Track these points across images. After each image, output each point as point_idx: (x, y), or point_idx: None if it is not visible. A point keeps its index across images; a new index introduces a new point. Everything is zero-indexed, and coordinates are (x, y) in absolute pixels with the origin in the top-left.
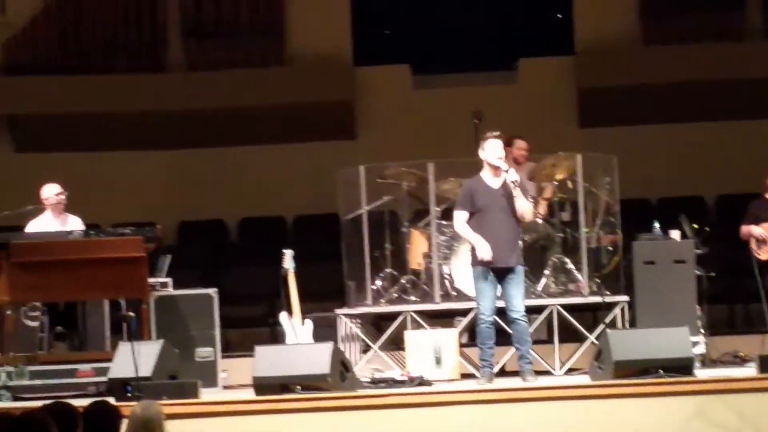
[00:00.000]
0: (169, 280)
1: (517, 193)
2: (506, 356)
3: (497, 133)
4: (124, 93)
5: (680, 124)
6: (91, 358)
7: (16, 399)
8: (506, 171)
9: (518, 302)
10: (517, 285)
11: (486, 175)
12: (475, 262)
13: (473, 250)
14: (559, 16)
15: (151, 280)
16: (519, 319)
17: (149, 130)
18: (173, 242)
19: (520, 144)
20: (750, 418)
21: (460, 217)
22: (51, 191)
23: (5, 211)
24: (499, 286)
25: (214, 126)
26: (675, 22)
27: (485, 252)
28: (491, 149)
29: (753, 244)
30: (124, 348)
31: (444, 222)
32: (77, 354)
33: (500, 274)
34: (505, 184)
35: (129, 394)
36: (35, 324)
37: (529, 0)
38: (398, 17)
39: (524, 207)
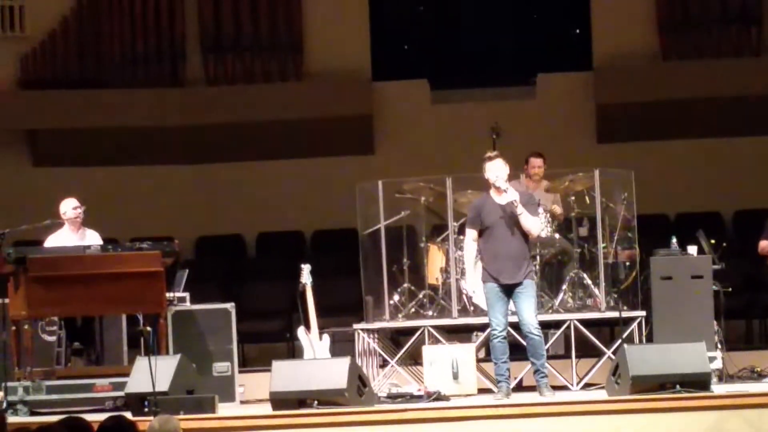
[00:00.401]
0: (186, 294)
1: (519, 210)
2: (524, 371)
3: (495, 153)
4: (143, 107)
5: (698, 140)
6: (108, 372)
7: (32, 414)
8: (505, 190)
9: (530, 316)
10: (527, 299)
11: (493, 193)
12: (485, 277)
13: (483, 268)
14: (577, 31)
15: (169, 294)
16: (532, 333)
17: (168, 144)
18: (191, 257)
19: (534, 162)
20: None
21: (470, 235)
22: (69, 206)
23: (24, 225)
24: (511, 301)
25: (232, 141)
26: (693, 38)
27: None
28: (490, 170)
29: None
30: (141, 363)
31: (462, 237)
32: (94, 369)
33: (510, 288)
34: (512, 203)
35: (146, 409)
36: (52, 339)
37: (547, 15)
38: (416, 32)
39: (530, 223)
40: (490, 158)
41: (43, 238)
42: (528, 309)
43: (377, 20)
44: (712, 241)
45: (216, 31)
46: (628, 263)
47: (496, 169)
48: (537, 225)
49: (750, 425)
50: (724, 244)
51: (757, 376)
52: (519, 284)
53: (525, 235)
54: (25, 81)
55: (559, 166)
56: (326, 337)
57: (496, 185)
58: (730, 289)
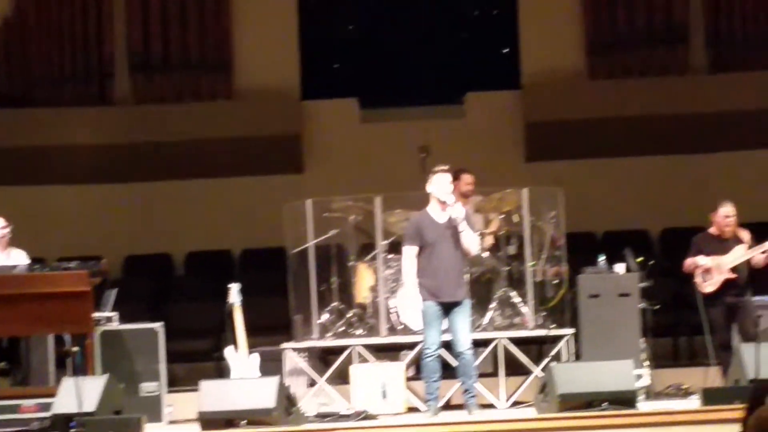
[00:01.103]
0: (114, 314)
1: (462, 227)
2: (452, 390)
3: (445, 168)
4: (71, 126)
5: (625, 158)
6: (34, 393)
7: None
8: (451, 206)
9: (464, 336)
10: (463, 318)
11: (433, 209)
12: (424, 295)
13: (420, 285)
14: (505, 50)
15: (96, 314)
16: (465, 353)
17: (96, 163)
18: (119, 276)
19: (467, 178)
20: None
21: (409, 252)
22: None
23: None
24: (445, 320)
25: (161, 159)
26: (620, 57)
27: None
28: (439, 184)
29: (698, 278)
30: (68, 383)
31: (390, 256)
32: (20, 389)
33: (447, 307)
34: (451, 219)
35: (73, 430)
36: None
37: (476, 34)
38: (346, 51)
39: (470, 241)
40: (440, 172)
41: None
42: (463, 328)
43: (307, 39)
44: (640, 259)
45: (144, 49)
46: (556, 281)
47: (445, 184)
48: (477, 243)
49: None
50: (652, 262)
51: (683, 393)
52: (457, 303)
53: (463, 253)
54: None
55: (487, 185)
56: (255, 357)
57: (443, 200)
58: (657, 307)
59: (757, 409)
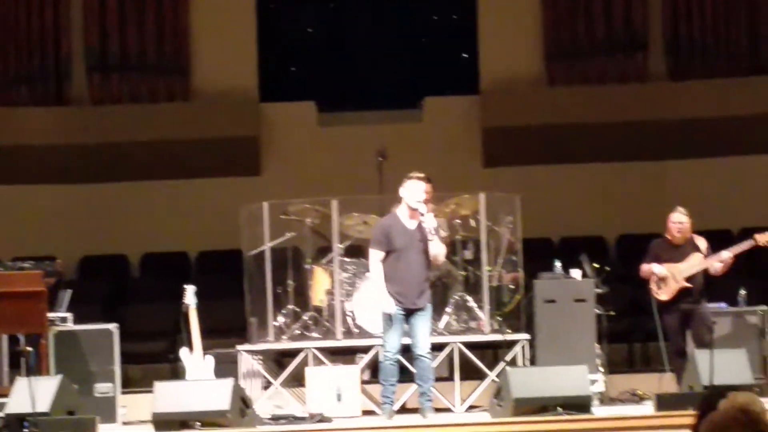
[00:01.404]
0: (69, 315)
1: (431, 237)
2: (407, 393)
3: (421, 175)
4: (26, 126)
5: (583, 165)
6: None
7: None
8: (422, 215)
9: (424, 340)
10: (424, 323)
11: (402, 213)
12: (390, 306)
13: (391, 290)
14: (464, 55)
15: (51, 314)
16: (424, 357)
17: (52, 163)
18: (74, 277)
19: (425, 188)
20: None
21: (375, 256)
22: None
23: None
24: (405, 324)
25: (116, 160)
26: (579, 64)
27: (389, 307)
28: (412, 190)
29: (653, 284)
30: (21, 383)
31: (347, 259)
32: None
33: (410, 312)
34: (421, 226)
35: (26, 430)
36: None
37: (435, 39)
38: (305, 55)
39: (438, 250)
40: (414, 179)
41: None
42: (424, 333)
43: (265, 42)
44: (596, 265)
45: (102, 50)
46: (512, 286)
47: (419, 192)
48: (444, 252)
49: None
50: (607, 269)
51: (637, 399)
52: (419, 310)
53: (428, 261)
54: None
55: (445, 190)
56: (210, 359)
57: (415, 208)
58: (613, 313)
59: (709, 414)
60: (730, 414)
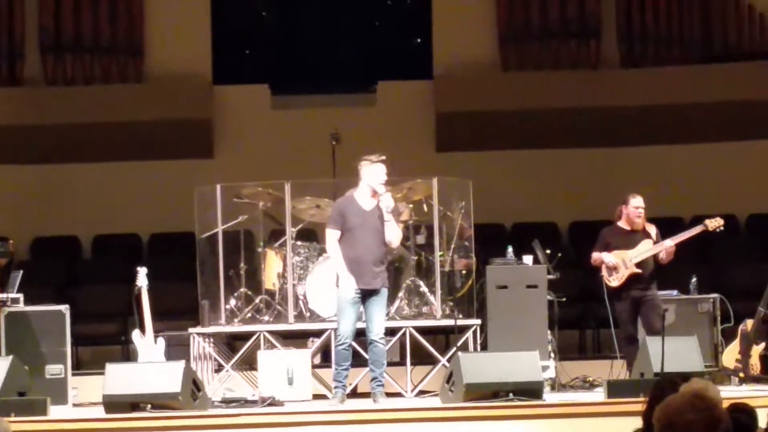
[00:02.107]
0: (20, 295)
1: (388, 218)
2: (359, 377)
3: (383, 158)
4: None
5: (536, 150)
6: None
7: None
8: (382, 195)
9: (379, 325)
10: (380, 307)
11: (360, 195)
12: (348, 286)
13: (349, 267)
14: (418, 40)
15: (2, 295)
16: (377, 342)
17: (4, 143)
18: (26, 258)
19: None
20: None
21: (332, 236)
22: None
23: None
24: (361, 306)
25: (69, 142)
26: (533, 50)
27: (347, 288)
28: (374, 173)
29: (604, 272)
30: None
31: (299, 242)
32: None
33: (364, 295)
34: (378, 207)
35: None
36: None
37: (388, 23)
38: (258, 38)
39: (394, 233)
40: (375, 162)
41: None
42: (378, 317)
43: (219, 24)
44: (548, 252)
45: (55, 30)
46: (464, 272)
47: (379, 174)
48: (399, 236)
49: None
50: (559, 255)
51: (588, 385)
52: (375, 292)
53: (384, 243)
54: None
55: (398, 175)
56: (161, 341)
57: (376, 189)
58: (564, 299)
59: (664, 400)
60: (687, 399)
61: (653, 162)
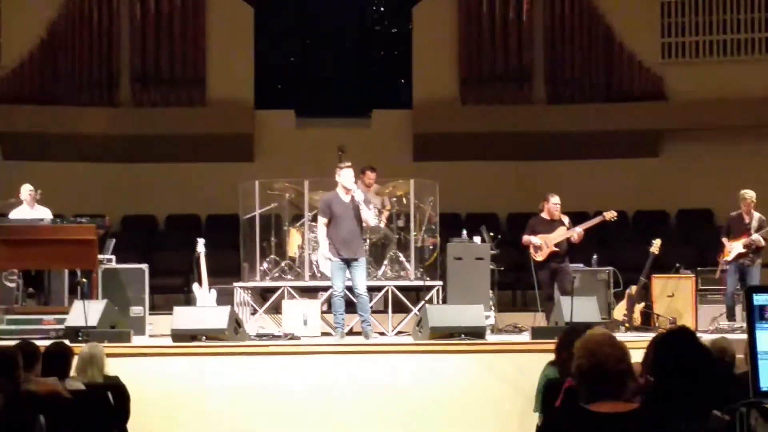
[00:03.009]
0: (113, 257)
1: (362, 207)
2: (354, 321)
3: (349, 164)
4: (88, 121)
5: (485, 162)
6: (53, 311)
7: None
8: (353, 191)
9: (361, 283)
10: (360, 271)
11: (340, 191)
12: (333, 253)
13: (330, 245)
14: (402, 80)
15: (100, 256)
16: (361, 295)
17: (103, 148)
18: (118, 230)
19: (370, 174)
20: (525, 371)
21: (321, 221)
22: (26, 189)
23: None
24: (348, 271)
25: (151, 147)
26: (484, 89)
27: (334, 258)
28: (345, 176)
29: (531, 250)
30: (77, 304)
31: (314, 224)
32: (43, 308)
33: (349, 262)
34: (353, 199)
35: (80, 338)
36: (13, 285)
37: (380, 67)
38: (287, 75)
39: (367, 216)
40: (345, 168)
41: (7, 212)
42: (360, 278)
43: (259, 64)
44: (491, 234)
45: (142, 66)
46: (431, 247)
47: (348, 176)
48: (372, 217)
49: (512, 365)
50: (499, 237)
51: (518, 330)
52: (356, 259)
53: (361, 224)
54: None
55: (385, 176)
56: (213, 292)
57: (347, 186)
58: (502, 269)
59: (580, 338)
60: (605, 337)
61: (568, 172)
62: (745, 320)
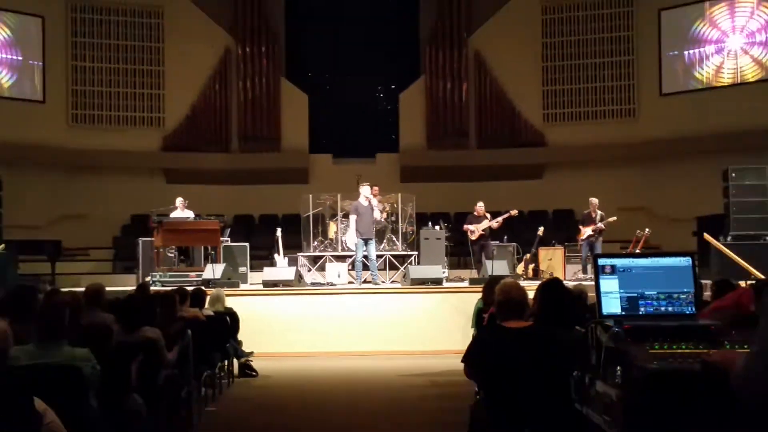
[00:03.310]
0: (228, 239)
1: (374, 209)
2: (367, 274)
3: (368, 183)
4: (212, 160)
5: (442, 183)
6: (195, 270)
7: (163, 285)
8: (369, 199)
9: (372, 253)
10: (372, 245)
11: (362, 199)
12: (358, 236)
13: (356, 231)
14: (393, 136)
15: (222, 238)
16: (372, 260)
17: (219, 177)
18: (231, 223)
19: (375, 189)
20: (465, 304)
21: (353, 217)
22: (179, 200)
23: (161, 208)
24: (365, 246)
25: (250, 176)
26: (440, 141)
27: (358, 239)
28: (365, 190)
29: (469, 233)
30: (209, 266)
31: (343, 219)
32: (189, 268)
33: (366, 241)
34: (370, 203)
35: (210, 286)
36: (172, 255)
37: (380, 128)
38: (327, 131)
39: (377, 214)
40: (366, 185)
41: (168, 213)
42: (372, 250)
43: (312, 126)
44: (447, 224)
45: (244, 128)
46: (411, 232)
47: (367, 191)
48: (379, 215)
49: (458, 299)
50: (450, 226)
51: (461, 279)
52: (371, 239)
53: (374, 219)
54: (164, 146)
55: (384, 191)
56: (286, 258)
57: (367, 196)
58: (452, 245)
59: (498, 284)
60: (513, 282)
61: (489, 188)
62: (593, 273)
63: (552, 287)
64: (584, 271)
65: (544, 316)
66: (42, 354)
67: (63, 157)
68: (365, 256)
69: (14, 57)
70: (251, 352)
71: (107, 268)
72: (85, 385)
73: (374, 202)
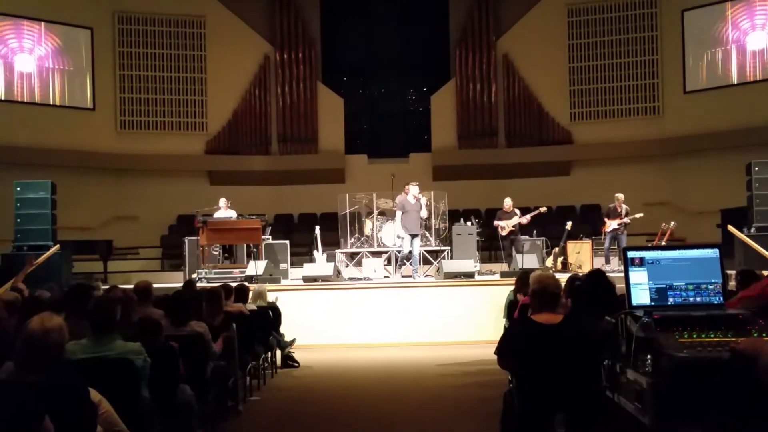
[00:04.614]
0: (270, 237)
1: (422, 206)
2: (406, 269)
3: (417, 183)
4: (253, 163)
5: (473, 180)
6: (238, 267)
7: (208, 282)
8: (417, 197)
9: (417, 248)
10: (417, 241)
11: (409, 196)
12: (405, 232)
13: (403, 226)
14: (425, 136)
15: (263, 236)
16: (415, 255)
17: (261, 178)
18: (272, 222)
19: (414, 187)
20: (497, 296)
21: (398, 213)
22: (222, 200)
23: (205, 208)
24: (412, 241)
25: (290, 176)
26: (470, 140)
27: (405, 235)
28: (413, 188)
29: (499, 229)
30: (252, 262)
31: (379, 217)
32: (233, 265)
33: (413, 236)
34: (417, 201)
35: (253, 282)
36: (216, 252)
37: (414, 129)
38: (362, 132)
39: (424, 213)
40: (414, 184)
41: (213, 213)
42: (416, 245)
43: (347, 128)
44: (478, 220)
45: (283, 131)
46: (444, 228)
47: (415, 188)
48: (426, 214)
49: (490, 292)
50: (481, 222)
51: (492, 273)
52: (416, 235)
53: (420, 216)
54: (207, 150)
55: (421, 189)
56: (324, 254)
57: (415, 195)
58: (484, 239)
59: (531, 275)
60: (548, 274)
61: (518, 185)
62: (623, 266)
63: (598, 276)
64: (607, 261)
65: (576, 309)
66: (96, 348)
67: (112, 162)
68: (409, 251)
69: (65, 67)
70: (293, 340)
71: (156, 266)
72: (137, 377)
73: (423, 201)
